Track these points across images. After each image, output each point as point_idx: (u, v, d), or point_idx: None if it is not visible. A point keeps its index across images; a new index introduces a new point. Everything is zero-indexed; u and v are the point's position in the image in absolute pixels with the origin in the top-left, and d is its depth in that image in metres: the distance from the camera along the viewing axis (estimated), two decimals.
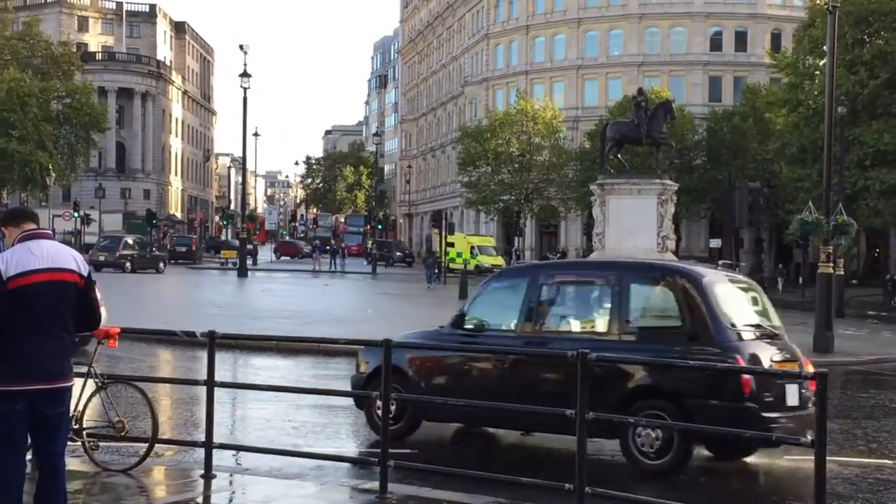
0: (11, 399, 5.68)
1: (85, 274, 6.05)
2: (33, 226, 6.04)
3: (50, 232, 6.27)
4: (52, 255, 5.92)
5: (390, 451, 8.11)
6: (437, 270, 51.89)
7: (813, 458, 6.32)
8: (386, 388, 8.00)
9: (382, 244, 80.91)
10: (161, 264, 55.18)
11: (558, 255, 74.43)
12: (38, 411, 5.77)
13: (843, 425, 12.91)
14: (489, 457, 10.91)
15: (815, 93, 44.79)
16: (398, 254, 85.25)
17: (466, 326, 10.91)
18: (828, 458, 6.46)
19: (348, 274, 61.66)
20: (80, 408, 8.42)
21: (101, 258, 49.33)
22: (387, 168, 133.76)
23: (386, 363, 7.98)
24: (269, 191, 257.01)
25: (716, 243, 58.83)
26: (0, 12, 74.32)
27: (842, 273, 29.83)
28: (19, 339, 5.70)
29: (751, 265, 58.15)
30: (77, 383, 7.22)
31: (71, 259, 6.01)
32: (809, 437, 6.68)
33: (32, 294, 5.74)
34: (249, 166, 62.13)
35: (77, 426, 8.30)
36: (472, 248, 66.99)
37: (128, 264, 50.39)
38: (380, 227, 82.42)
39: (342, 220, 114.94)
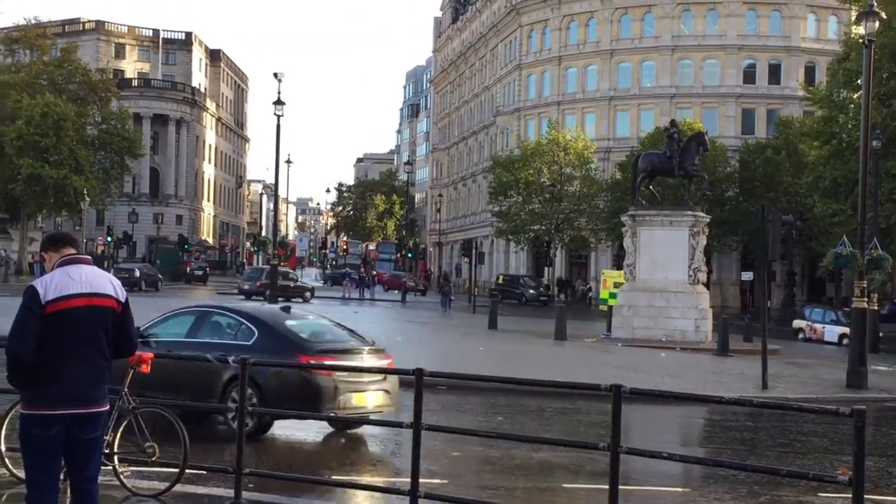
0: (47, 423, 5.70)
1: (122, 299, 6.08)
2: (73, 251, 6.08)
3: (89, 257, 6.30)
4: (91, 279, 5.96)
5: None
6: (451, 297, 53.49)
7: (851, 496, 6.22)
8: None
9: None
10: (307, 294, 56.80)
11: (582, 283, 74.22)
12: (72, 436, 5.78)
13: (879, 463, 12.72)
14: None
15: (849, 126, 44.51)
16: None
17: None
18: (865, 496, 6.36)
19: (378, 301, 61.64)
20: (113, 432, 8.45)
21: (246, 287, 54.27)
22: (417, 196, 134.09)
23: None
24: (301, 217, 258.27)
25: (747, 276, 58.39)
26: (38, 39, 75.48)
27: (875, 308, 29.53)
28: (56, 364, 5.73)
29: (783, 298, 57.74)
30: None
31: (109, 284, 6.05)
32: (846, 476, 6.58)
33: (70, 318, 5.77)
34: (281, 193, 62.11)
35: (109, 450, 8.33)
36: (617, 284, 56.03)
37: (268, 291, 52.66)
38: (409, 255, 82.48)
39: (373, 247, 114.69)
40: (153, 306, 26.88)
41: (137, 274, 59.29)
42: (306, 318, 14.76)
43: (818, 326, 41.78)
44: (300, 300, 54.18)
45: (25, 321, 5.72)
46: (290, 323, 13.61)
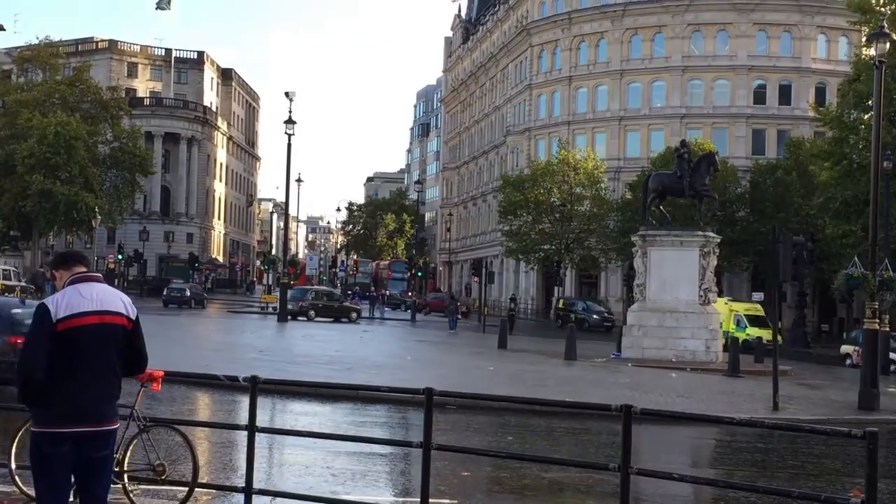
0: (57, 441, 5.71)
1: (133, 317, 6.09)
2: (83, 269, 6.11)
3: (100, 275, 6.33)
4: (101, 297, 5.97)
5: None
6: (458, 316, 54.33)
7: None
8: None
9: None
10: (353, 314, 57.24)
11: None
12: (83, 453, 5.79)
13: (891, 486, 12.64)
14: None
15: (860, 147, 44.45)
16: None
17: None
18: None
19: (387, 321, 61.62)
20: (122, 450, 8.45)
21: (290, 307, 53.62)
22: (427, 216, 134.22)
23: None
24: (311, 236, 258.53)
25: (758, 297, 58.20)
26: (51, 58, 75.95)
27: (887, 329, 29.41)
28: (67, 381, 5.74)
29: (793, 319, 57.46)
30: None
31: (119, 302, 6.06)
32: (859, 499, 6.54)
33: (81, 336, 5.79)
34: (291, 212, 62.57)
35: (118, 468, 8.33)
36: (737, 317, 50.73)
37: (311, 312, 54.95)
38: (419, 274, 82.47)
39: (385, 265, 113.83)
40: (199, 321, 26.97)
41: (188, 293, 63.52)
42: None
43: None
44: (346, 320, 55.43)
45: (37, 339, 5.74)
46: (15, 311, 15.84)
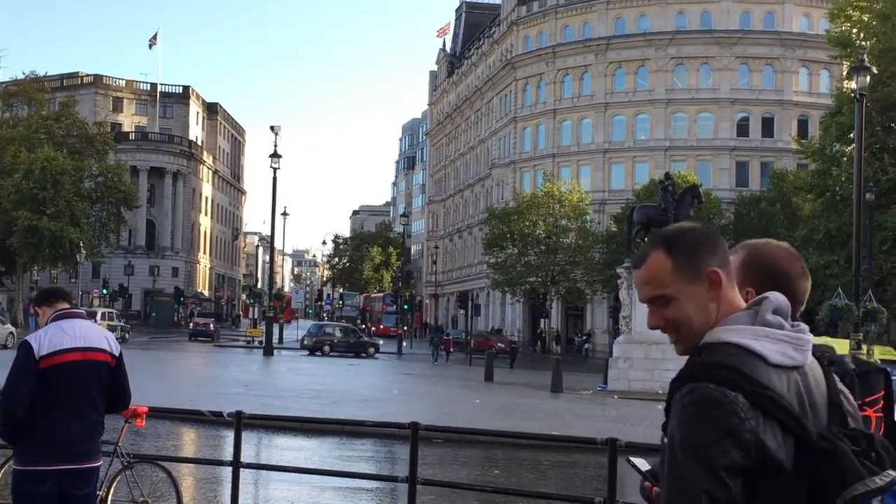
0: (39, 478, 5.68)
1: (116, 353, 6.08)
2: (66, 305, 6.10)
3: (83, 311, 6.32)
4: (85, 334, 5.96)
5: None
6: (442, 348, 54.11)
7: None
8: None
9: None
10: (371, 349, 57.32)
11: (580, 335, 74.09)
12: (65, 491, 5.75)
13: None
14: None
15: (843, 179, 44.74)
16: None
17: None
18: None
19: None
20: (106, 487, 8.39)
21: (306, 342, 56.93)
22: (413, 248, 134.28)
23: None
24: (296, 269, 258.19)
25: None
26: (37, 93, 76.01)
27: (872, 359, 29.49)
28: (49, 418, 5.72)
29: None
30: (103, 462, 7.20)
31: (103, 339, 6.05)
32: None
33: (64, 373, 5.77)
34: (277, 245, 62.54)
35: None
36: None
37: (326, 347, 55.93)
38: (406, 307, 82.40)
39: (378, 298, 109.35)
40: (184, 356, 26.81)
41: (212, 328, 67.45)
42: None
43: None
44: (365, 355, 55.50)
45: (20, 376, 5.72)
46: None
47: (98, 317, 54.19)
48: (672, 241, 2.35)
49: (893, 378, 3.01)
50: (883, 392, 3.01)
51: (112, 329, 54.98)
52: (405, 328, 70.22)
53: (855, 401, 2.43)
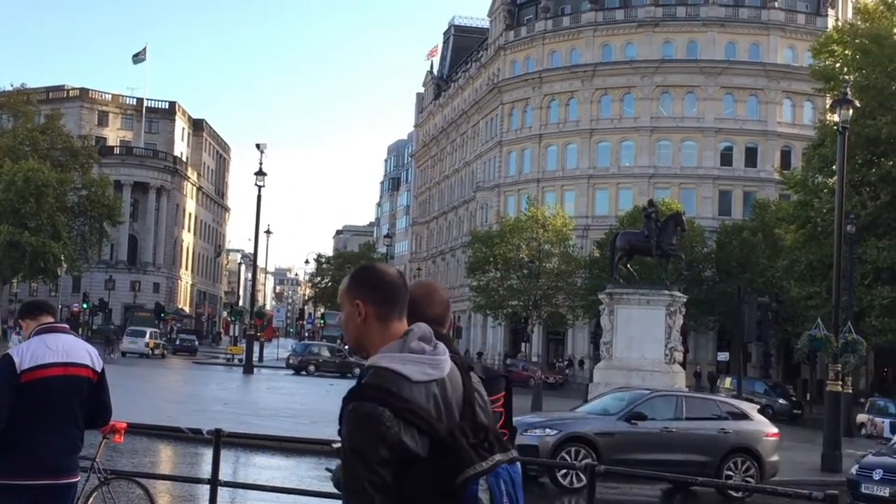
0: (16, 493, 5.64)
1: (98, 369, 6.06)
2: (50, 319, 6.09)
3: (66, 326, 6.30)
4: (68, 349, 5.94)
5: None
6: None
7: None
8: None
9: None
10: (356, 369, 56.05)
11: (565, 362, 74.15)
12: None
13: None
14: None
15: (824, 210, 45.09)
16: None
17: None
18: None
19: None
20: (82, 502, 8.35)
21: (291, 361, 58.26)
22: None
23: None
24: (279, 288, 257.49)
25: (723, 356, 58.56)
26: (23, 105, 75.83)
27: (850, 391, 29.63)
28: (28, 433, 5.69)
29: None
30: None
31: (86, 354, 6.03)
32: None
33: (45, 388, 5.74)
34: (260, 263, 62.32)
35: None
36: None
37: (311, 367, 56.37)
38: None
39: None
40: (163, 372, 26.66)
41: (196, 344, 74.68)
42: None
43: (878, 420, 36.98)
44: (350, 375, 54.19)
45: (0, 390, 5.69)
46: None
47: (147, 336, 62.57)
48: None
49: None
50: (504, 393, 4.02)
51: (156, 346, 62.92)
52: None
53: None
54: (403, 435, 2.89)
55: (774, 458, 18.26)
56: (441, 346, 3.13)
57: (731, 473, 17.37)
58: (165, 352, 65.40)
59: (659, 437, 17.41)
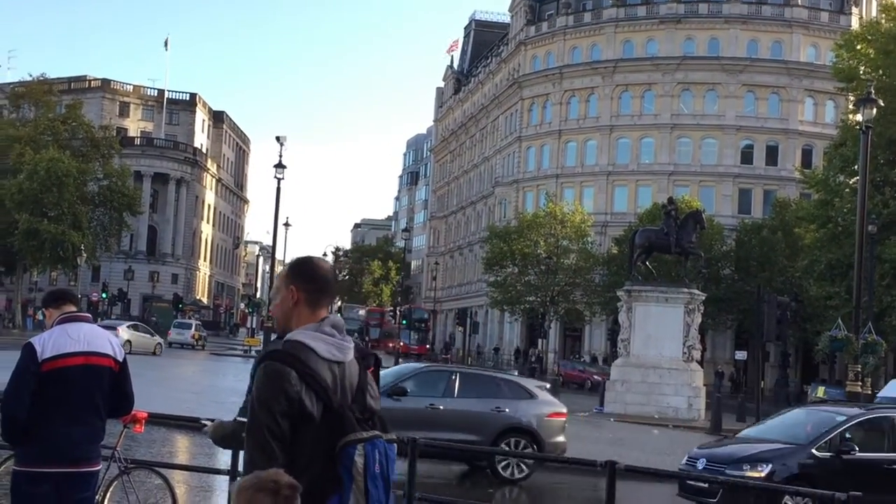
0: (37, 480, 5.67)
1: (120, 359, 6.08)
2: (73, 308, 6.11)
3: (89, 315, 6.32)
4: (89, 338, 5.96)
5: None
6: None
7: None
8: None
9: None
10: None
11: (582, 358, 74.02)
12: (63, 494, 5.75)
13: None
14: None
15: (845, 210, 44.81)
16: None
17: None
18: None
19: None
20: (102, 491, 8.39)
21: None
22: (413, 264, 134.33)
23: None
24: None
25: (741, 355, 58.38)
26: (44, 95, 76.12)
27: (870, 391, 29.45)
28: (50, 422, 5.72)
29: (776, 379, 57.55)
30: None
31: (107, 343, 6.05)
32: None
33: (66, 377, 5.77)
34: (278, 255, 62.25)
35: None
36: None
37: None
38: (405, 322, 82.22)
39: (389, 311, 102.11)
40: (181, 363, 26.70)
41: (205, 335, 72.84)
42: None
43: None
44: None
45: (21, 379, 5.72)
46: None
47: (193, 328, 66.62)
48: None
49: None
50: (372, 368, 4.12)
51: (199, 338, 66.63)
52: (428, 347, 69.14)
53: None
54: (304, 395, 3.42)
55: (559, 438, 17.33)
56: (349, 337, 3.69)
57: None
58: (205, 343, 68.12)
59: (423, 413, 16.60)
